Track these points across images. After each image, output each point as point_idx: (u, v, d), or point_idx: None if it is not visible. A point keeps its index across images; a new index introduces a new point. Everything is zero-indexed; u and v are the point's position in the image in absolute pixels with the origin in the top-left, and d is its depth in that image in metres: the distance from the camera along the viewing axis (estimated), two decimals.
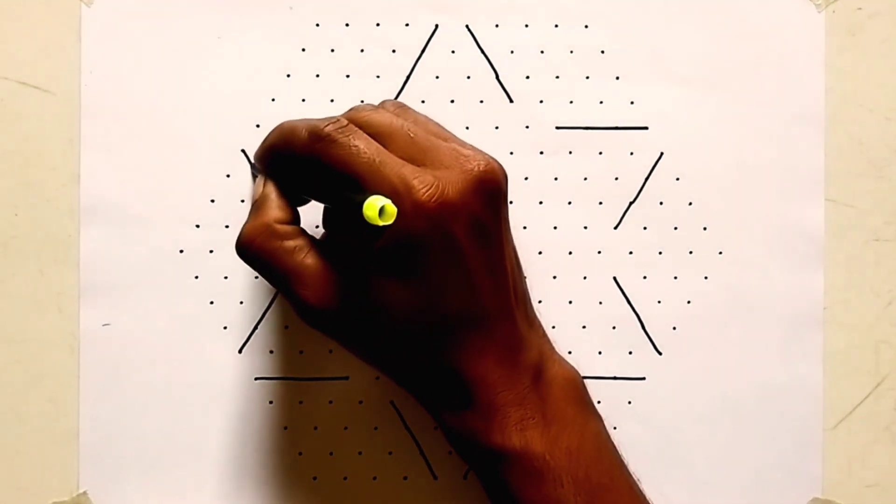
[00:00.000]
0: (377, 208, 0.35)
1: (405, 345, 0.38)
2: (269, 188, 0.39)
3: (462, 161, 0.37)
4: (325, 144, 0.37)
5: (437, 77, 0.45)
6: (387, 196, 0.35)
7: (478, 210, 0.37)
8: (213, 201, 0.45)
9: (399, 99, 0.45)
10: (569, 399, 0.39)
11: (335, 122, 0.37)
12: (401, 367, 0.39)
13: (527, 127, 0.46)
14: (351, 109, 0.40)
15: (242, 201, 0.45)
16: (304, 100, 0.45)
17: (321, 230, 0.42)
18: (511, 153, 0.46)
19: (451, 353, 0.37)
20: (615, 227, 0.46)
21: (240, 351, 0.45)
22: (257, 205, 0.39)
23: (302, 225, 0.40)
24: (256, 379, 0.45)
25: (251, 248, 0.38)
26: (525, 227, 0.46)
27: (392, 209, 0.35)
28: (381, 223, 0.35)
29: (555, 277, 0.46)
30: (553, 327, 0.46)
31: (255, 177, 0.41)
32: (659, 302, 0.46)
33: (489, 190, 0.37)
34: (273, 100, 0.45)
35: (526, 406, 0.38)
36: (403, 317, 0.37)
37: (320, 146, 0.37)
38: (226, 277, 0.45)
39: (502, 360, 0.38)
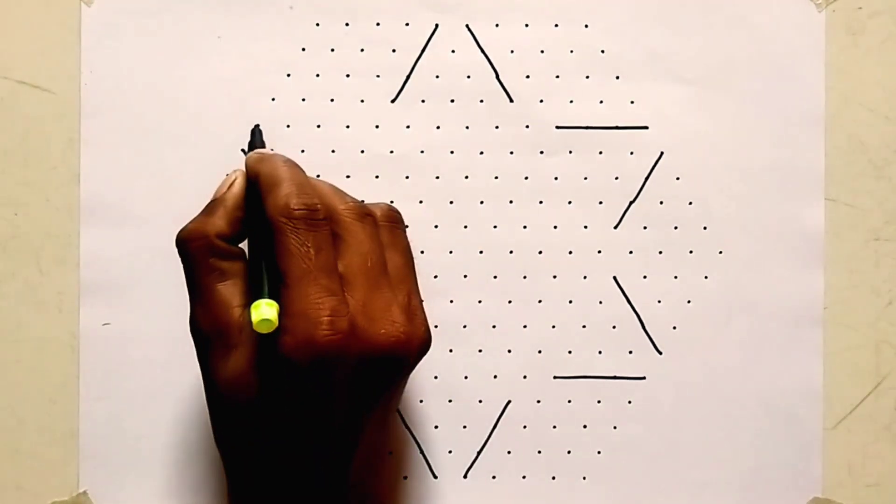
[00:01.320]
0: (260, 317, 0.35)
1: (244, 429, 0.38)
2: (231, 194, 0.39)
3: (388, 321, 0.37)
4: (285, 223, 0.36)
5: (437, 77, 0.45)
6: (293, 313, 0.35)
7: (365, 378, 0.37)
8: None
9: (399, 98, 0.45)
10: None
11: (311, 208, 0.37)
12: (229, 447, 0.39)
13: (527, 127, 0.46)
14: (344, 198, 0.39)
15: None
16: (304, 100, 0.45)
17: None
18: (511, 153, 0.46)
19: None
20: (615, 227, 0.46)
21: None
22: (213, 205, 0.39)
23: None
24: None
25: (185, 248, 0.38)
26: (525, 227, 0.46)
27: (273, 323, 0.35)
28: (259, 329, 0.35)
29: (555, 277, 0.46)
30: (553, 327, 0.46)
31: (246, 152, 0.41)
32: (659, 302, 0.46)
33: (393, 362, 0.37)
34: (273, 100, 0.45)
35: None
36: (251, 413, 0.37)
37: (281, 223, 0.36)
38: None
39: None
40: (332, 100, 0.45)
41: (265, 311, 0.35)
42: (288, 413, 0.36)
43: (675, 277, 0.46)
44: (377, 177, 0.45)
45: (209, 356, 0.38)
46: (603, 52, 0.46)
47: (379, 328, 0.37)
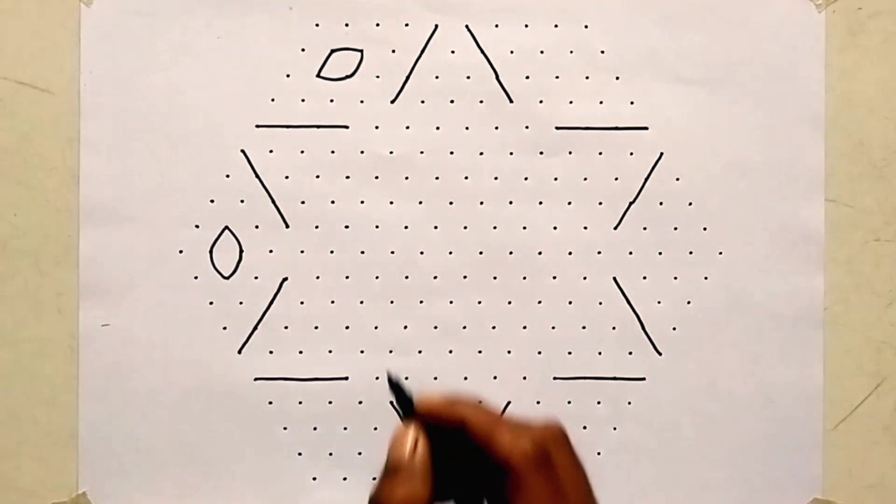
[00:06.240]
0: None
1: None
2: (420, 456, 0.33)
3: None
4: (526, 467, 0.33)
5: (437, 77, 0.45)
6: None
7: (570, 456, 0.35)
8: (212, 201, 0.45)
9: (399, 99, 0.45)
10: None
11: (544, 452, 0.33)
12: None
13: (527, 127, 0.46)
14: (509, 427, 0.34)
15: (242, 201, 0.45)
16: (303, 100, 0.45)
17: None
18: (511, 153, 0.46)
19: None
20: (615, 227, 0.46)
21: (239, 351, 0.45)
22: (407, 472, 0.33)
23: None
24: (256, 379, 0.45)
25: None
26: (525, 228, 0.46)
27: None
28: None
29: (555, 277, 0.46)
30: (553, 327, 0.46)
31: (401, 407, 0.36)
32: (659, 302, 0.46)
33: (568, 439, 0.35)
34: (273, 100, 0.45)
35: None
36: None
37: (522, 467, 0.33)
38: (226, 277, 0.45)
39: None
40: (331, 100, 0.45)
41: None
42: None
43: (675, 278, 0.46)
44: (377, 177, 0.45)
45: None
46: (603, 52, 0.46)
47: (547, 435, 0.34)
